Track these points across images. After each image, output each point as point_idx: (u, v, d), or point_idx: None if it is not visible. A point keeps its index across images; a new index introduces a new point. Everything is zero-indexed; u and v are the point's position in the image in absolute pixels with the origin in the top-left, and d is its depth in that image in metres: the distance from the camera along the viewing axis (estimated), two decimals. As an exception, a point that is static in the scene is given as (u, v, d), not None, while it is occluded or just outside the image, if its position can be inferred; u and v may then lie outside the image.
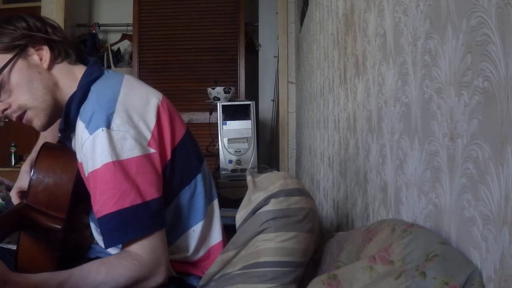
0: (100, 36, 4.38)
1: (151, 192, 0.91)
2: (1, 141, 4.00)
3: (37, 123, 1.02)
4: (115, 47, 4.35)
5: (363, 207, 1.09)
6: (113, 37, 4.42)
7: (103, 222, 0.90)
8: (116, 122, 0.91)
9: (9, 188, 2.21)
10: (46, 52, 1.00)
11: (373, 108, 0.99)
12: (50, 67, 1.01)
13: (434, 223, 0.66)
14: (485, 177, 0.51)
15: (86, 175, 0.94)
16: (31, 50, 1.00)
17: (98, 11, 4.48)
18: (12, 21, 1.00)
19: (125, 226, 0.88)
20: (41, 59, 1.00)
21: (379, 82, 0.94)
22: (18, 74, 0.98)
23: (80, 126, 0.94)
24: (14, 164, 3.55)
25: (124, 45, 4.35)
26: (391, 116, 0.86)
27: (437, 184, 0.64)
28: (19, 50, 0.98)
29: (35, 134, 1.19)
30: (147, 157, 0.92)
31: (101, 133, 0.90)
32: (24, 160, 3.72)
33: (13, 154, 3.62)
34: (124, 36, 4.30)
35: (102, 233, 0.91)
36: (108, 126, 0.90)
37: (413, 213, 0.74)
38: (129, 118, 0.93)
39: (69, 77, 1.02)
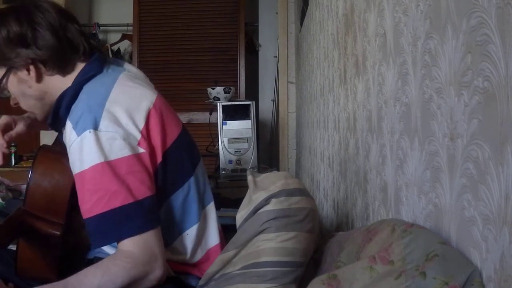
0: (100, 36, 4.37)
1: (143, 190, 0.91)
2: (1, 141, 3.99)
3: (37, 118, 1.12)
4: (115, 47, 4.35)
5: (363, 207, 1.09)
6: (113, 37, 4.41)
7: (93, 223, 0.90)
8: (104, 123, 0.91)
9: (9, 188, 2.21)
10: (32, 71, 1.01)
11: (373, 108, 0.99)
12: (39, 80, 1.02)
13: (434, 223, 0.66)
14: (485, 177, 0.51)
15: (74, 174, 0.94)
16: (18, 68, 1.01)
17: (98, 11, 4.48)
18: None
19: (116, 226, 0.89)
20: (29, 75, 1.01)
21: (379, 82, 0.94)
22: (12, 87, 1.04)
23: (68, 126, 0.95)
24: (14, 164, 3.55)
25: (124, 45, 4.35)
26: (391, 116, 0.86)
27: (437, 184, 0.64)
28: (8, 67, 1.01)
29: (35, 135, 1.22)
30: (137, 156, 0.92)
31: (88, 135, 0.90)
32: (24, 160, 3.68)
33: (13, 154, 3.61)
34: (124, 36, 4.30)
35: (92, 233, 0.91)
36: (95, 127, 0.91)
37: (413, 213, 0.74)
38: (118, 119, 0.93)
39: (60, 86, 1.03)
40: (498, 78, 0.48)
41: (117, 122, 0.92)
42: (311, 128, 2.34)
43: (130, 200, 0.89)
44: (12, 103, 1.08)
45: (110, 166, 0.89)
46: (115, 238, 0.90)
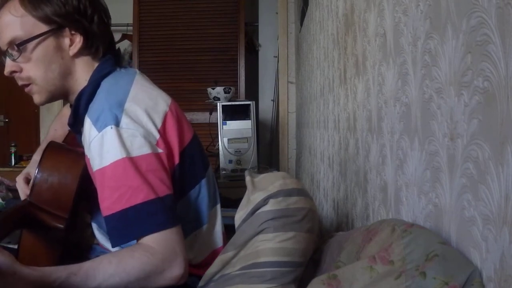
0: (100, 36, 4.36)
1: (163, 188, 0.90)
2: (1, 141, 4.00)
3: (36, 98, 1.03)
4: (115, 47, 4.34)
5: (363, 207, 1.09)
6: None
7: (113, 220, 0.88)
8: (125, 120, 0.91)
9: (9, 188, 2.21)
10: (79, 41, 0.99)
11: (373, 108, 0.99)
12: (76, 56, 1.00)
13: (434, 223, 0.66)
14: (485, 177, 0.51)
15: (94, 171, 0.93)
16: (66, 32, 0.98)
17: (98, 11, 4.47)
18: None
19: (138, 223, 0.87)
20: (70, 45, 0.99)
21: (379, 82, 0.93)
22: (42, 51, 0.98)
23: (87, 123, 0.94)
24: (14, 164, 3.55)
25: (124, 45, 4.35)
26: (391, 116, 0.86)
27: (437, 184, 0.64)
28: (55, 27, 0.97)
29: (35, 135, 1.20)
30: (157, 155, 0.92)
31: (110, 130, 0.89)
32: (24, 160, 3.68)
33: (13, 154, 3.61)
34: (124, 36, 4.30)
35: (112, 230, 0.89)
36: (117, 124, 0.90)
37: (413, 213, 0.74)
38: (138, 117, 0.93)
39: (87, 72, 1.02)
40: (498, 78, 0.48)
41: (137, 120, 0.92)
42: (311, 128, 2.34)
43: (152, 196, 0.88)
44: (8, 70, 0.99)
45: (132, 162, 0.89)
46: (136, 235, 0.88)
